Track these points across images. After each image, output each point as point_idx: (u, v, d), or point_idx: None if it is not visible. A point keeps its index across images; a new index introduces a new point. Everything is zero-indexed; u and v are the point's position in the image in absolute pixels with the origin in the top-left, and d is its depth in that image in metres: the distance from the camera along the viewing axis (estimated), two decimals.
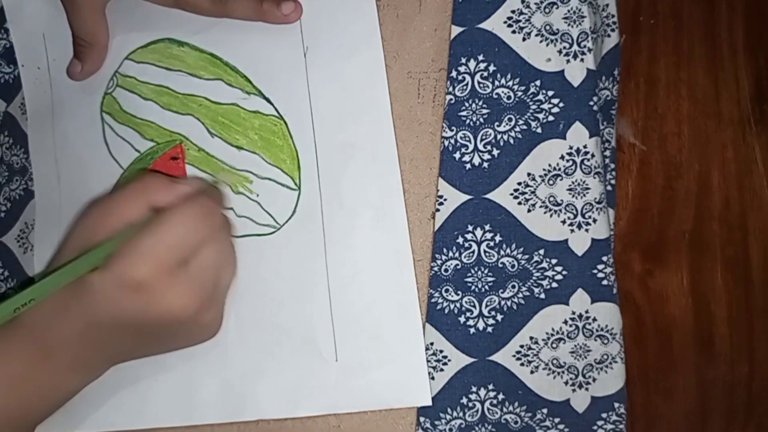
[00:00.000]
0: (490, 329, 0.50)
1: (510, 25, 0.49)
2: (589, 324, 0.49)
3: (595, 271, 0.49)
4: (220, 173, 0.50)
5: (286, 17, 0.49)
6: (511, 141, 0.49)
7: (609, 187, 0.53)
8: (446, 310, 0.50)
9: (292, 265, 0.50)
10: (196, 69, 0.52)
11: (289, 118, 0.51)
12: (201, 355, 0.50)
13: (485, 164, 0.50)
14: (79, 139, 0.54)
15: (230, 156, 0.52)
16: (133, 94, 0.53)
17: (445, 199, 0.50)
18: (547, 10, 0.49)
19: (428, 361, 0.49)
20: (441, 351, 0.49)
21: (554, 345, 0.50)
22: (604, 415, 0.50)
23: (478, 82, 0.49)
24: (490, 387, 0.50)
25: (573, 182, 0.49)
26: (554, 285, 0.49)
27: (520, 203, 0.49)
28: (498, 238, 0.49)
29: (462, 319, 0.50)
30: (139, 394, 0.51)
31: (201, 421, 0.50)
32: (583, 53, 0.48)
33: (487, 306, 0.50)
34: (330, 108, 0.50)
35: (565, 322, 0.49)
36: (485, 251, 0.50)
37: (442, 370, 0.50)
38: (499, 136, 0.49)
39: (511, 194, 0.49)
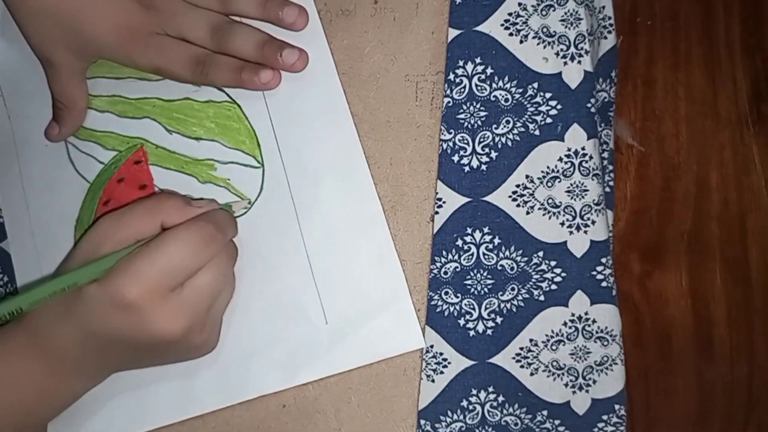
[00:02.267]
0: (489, 332, 0.50)
1: (507, 28, 0.49)
2: (589, 326, 0.49)
3: (594, 272, 0.49)
4: (234, 204, 0.51)
5: (265, 85, 0.50)
6: (509, 143, 0.49)
7: (607, 189, 0.53)
8: (446, 313, 0.50)
9: (268, 241, 0.51)
10: (144, 73, 0.53)
11: (241, 101, 0.52)
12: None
13: (483, 167, 0.50)
14: (44, 164, 0.55)
15: (191, 148, 0.52)
16: (89, 110, 0.54)
17: (444, 202, 0.50)
18: (544, 13, 0.49)
19: (428, 363, 0.49)
20: (441, 354, 0.49)
21: (554, 347, 0.50)
22: (604, 417, 0.50)
23: (476, 85, 0.49)
24: (490, 389, 0.50)
25: (571, 184, 0.49)
26: (553, 287, 0.49)
27: (518, 205, 0.49)
28: (497, 241, 0.50)
29: (461, 322, 0.50)
30: (139, 397, 0.52)
31: (203, 410, 0.51)
32: (580, 55, 0.49)
33: (486, 308, 0.50)
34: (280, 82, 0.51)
35: (565, 324, 0.49)
36: (484, 254, 0.50)
37: (442, 372, 0.50)
38: (497, 139, 0.49)
39: (510, 196, 0.49)
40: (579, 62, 0.48)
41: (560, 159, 0.49)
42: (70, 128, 0.53)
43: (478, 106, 0.50)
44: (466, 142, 0.50)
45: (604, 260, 0.49)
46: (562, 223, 0.49)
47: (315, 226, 0.50)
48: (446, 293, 0.50)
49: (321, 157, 0.51)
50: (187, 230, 0.44)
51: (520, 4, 0.49)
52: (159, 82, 0.53)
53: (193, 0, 0.50)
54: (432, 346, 0.49)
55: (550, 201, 0.49)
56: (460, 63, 0.49)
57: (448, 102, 0.49)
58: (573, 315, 0.49)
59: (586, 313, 0.49)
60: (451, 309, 0.50)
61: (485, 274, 0.50)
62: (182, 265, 0.44)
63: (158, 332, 0.44)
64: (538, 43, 0.49)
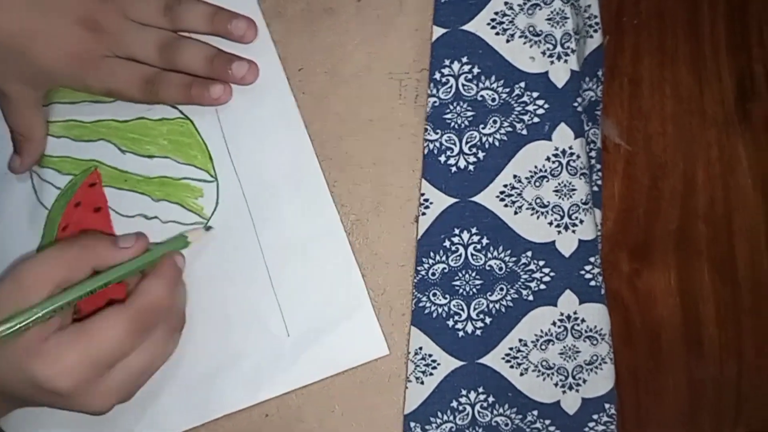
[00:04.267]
0: (478, 332, 0.49)
1: (493, 27, 0.49)
2: (578, 325, 0.49)
3: (582, 272, 0.49)
4: (191, 233, 0.50)
5: (216, 100, 0.49)
6: (497, 143, 0.49)
7: (595, 188, 0.53)
8: (434, 314, 0.49)
9: (227, 254, 0.50)
10: (98, 96, 0.52)
11: (194, 116, 0.51)
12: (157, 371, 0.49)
13: (471, 167, 0.49)
14: (14, 197, 0.54)
15: (144, 167, 0.52)
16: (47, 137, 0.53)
17: (431, 203, 0.49)
18: (530, 12, 0.49)
19: (417, 365, 0.49)
20: (430, 355, 0.49)
21: (543, 347, 0.49)
22: (595, 417, 0.49)
23: (462, 85, 0.49)
24: (480, 390, 0.49)
25: (559, 183, 0.49)
26: (542, 287, 0.49)
27: (506, 205, 0.49)
28: (485, 241, 0.49)
29: (450, 323, 0.49)
30: (103, 423, 0.50)
31: None
32: (566, 54, 0.48)
33: (475, 309, 0.49)
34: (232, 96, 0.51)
35: (554, 323, 0.49)
36: (472, 254, 0.49)
37: (431, 374, 0.49)
38: (484, 139, 0.49)
39: (498, 197, 0.49)
40: (565, 61, 0.48)
41: (548, 158, 0.49)
42: (32, 158, 0.52)
43: (464, 105, 0.49)
44: (453, 142, 0.49)
45: (592, 259, 0.49)
46: (551, 223, 0.49)
47: (273, 237, 0.50)
48: (434, 294, 0.49)
49: (276, 168, 0.50)
50: (122, 315, 0.43)
51: (506, 3, 0.49)
52: (114, 103, 0.52)
53: (141, 18, 0.49)
54: (421, 348, 0.49)
55: (538, 201, 0.49)
56: (447, 62, 0.49)
57: (435, 102, 0.49)
58: (562, 314, 0.49)
59: (575, 313, 0.49)
60: (440, 310, 0.49)
61: (473, 274, 0.49)
62: (114, 355, 0.43)
63: (83, 410, 0.44)
64: (525, 42, 0.49)
